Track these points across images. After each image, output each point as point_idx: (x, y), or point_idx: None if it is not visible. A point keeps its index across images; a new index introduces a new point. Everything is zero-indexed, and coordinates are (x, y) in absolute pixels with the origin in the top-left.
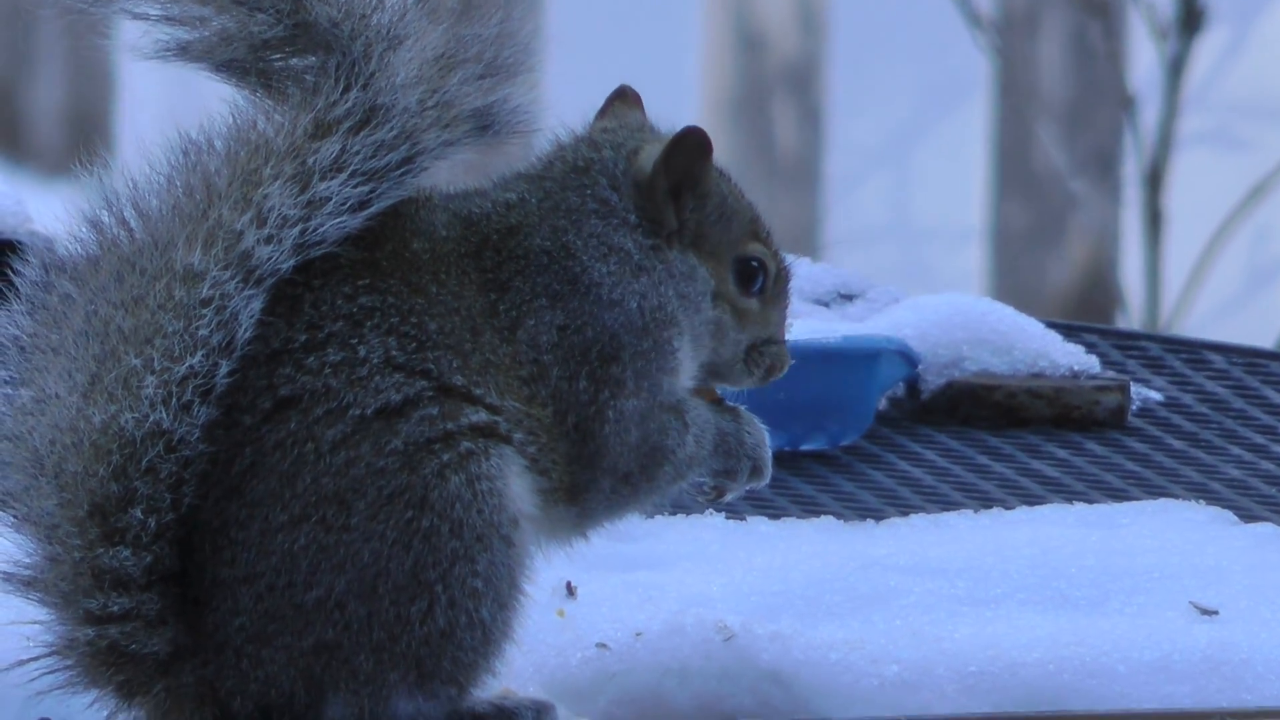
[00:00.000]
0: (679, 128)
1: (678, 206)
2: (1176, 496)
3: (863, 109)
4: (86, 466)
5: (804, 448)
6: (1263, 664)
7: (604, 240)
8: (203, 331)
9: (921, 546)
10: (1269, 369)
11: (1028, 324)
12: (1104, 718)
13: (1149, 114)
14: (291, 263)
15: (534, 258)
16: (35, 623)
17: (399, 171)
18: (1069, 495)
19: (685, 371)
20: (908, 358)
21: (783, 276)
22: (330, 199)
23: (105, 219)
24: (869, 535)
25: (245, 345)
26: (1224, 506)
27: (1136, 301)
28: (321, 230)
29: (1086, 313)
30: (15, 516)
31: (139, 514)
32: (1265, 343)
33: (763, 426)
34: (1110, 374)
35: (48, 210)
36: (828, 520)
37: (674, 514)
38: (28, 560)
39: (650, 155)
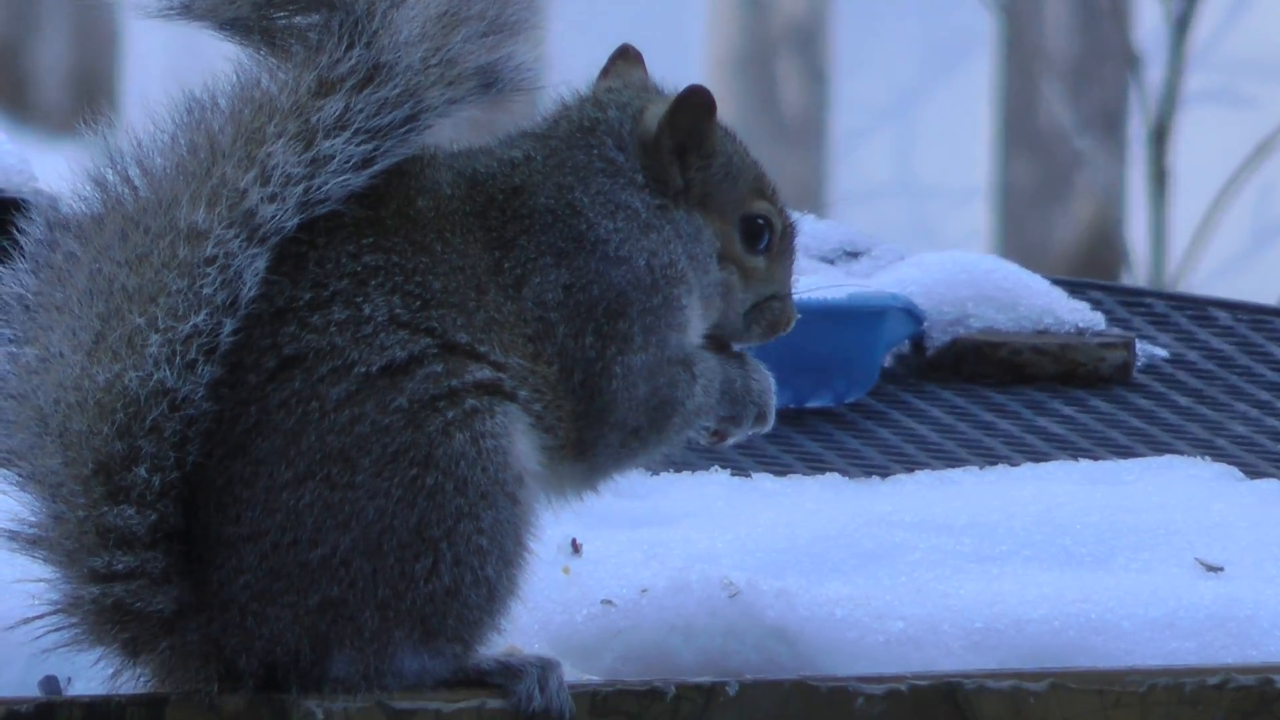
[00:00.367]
0: (683, 87)
1: (683, 166)
2: (1182, 453)
3: (868, 67)
4: (91, 425)
5: (809, 405)
6: (1268, 620)
7: (611, 198)
8: (207, 290)
9: (927, 503)
10: (1274, 325)
11: (1033, 281)
12: (1109, 674)
13: (1154, 71)
14: (296, 221)
15: (539, 216)
16: (40, 581)
17: (403, 129)
18: (1074, 452)
19: (694, 330)
20: (913, 315)
21: (788, 233)
22: (334, 157)
23: (109, 177)
24: (874, 492)
25: (250, 304)
26: (1229, 463)
27: (1141, 259)
28: (325, 188)
29: (1091, 270)
30: (20, 475)
31: (143, 472)
32: (1270, 299)
33: (768, 372)
34: (1115, 331)
35: (52, 169)
36: (833, 477)
37: (680, 471)
38: (33, 519)
39: (655, 115)
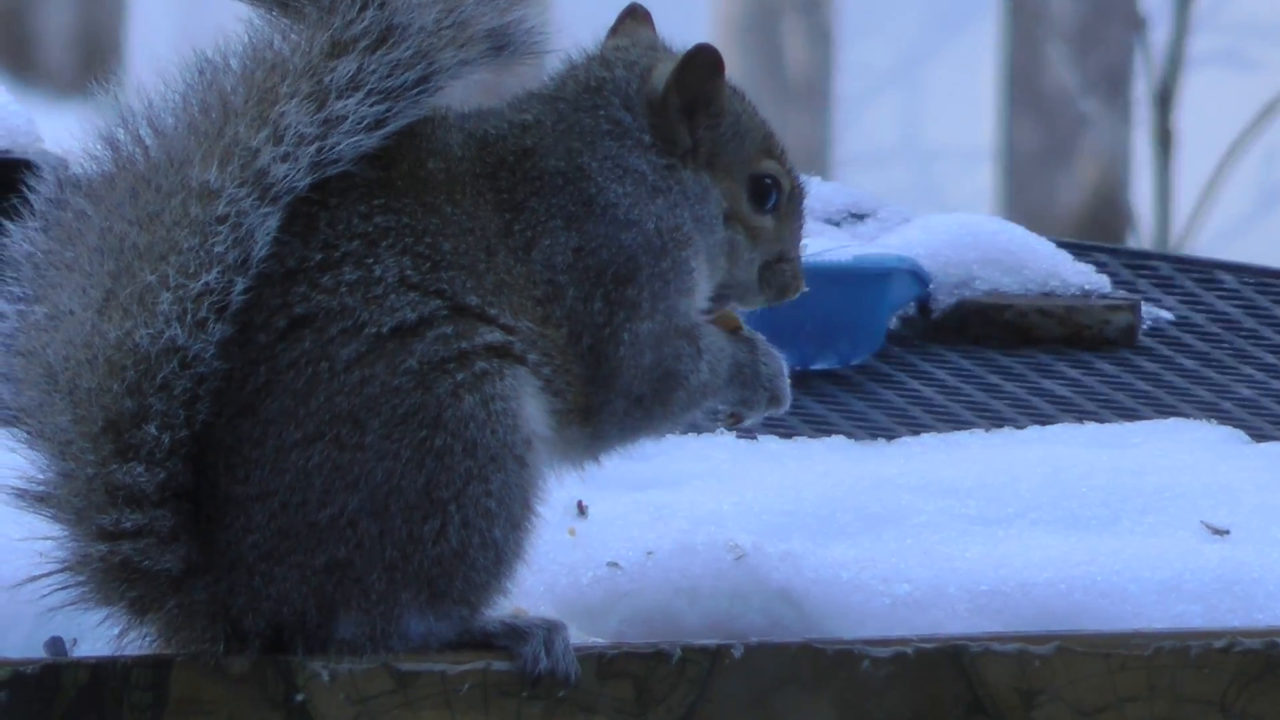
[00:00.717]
0: (690, 46)
1: (691, 125)
2: (1188, 416)
3: (873, 28)
4: (101, 382)
5: (815, 367)
6: (1274, 583)
7: (619, 162)
8: (218, 248)
9: (933, 466)
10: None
11: (1038, 243)
12: (1115, 637)
13: (1159, 34)
14: (308, 181)
15: (549, 179)
16: (47, 539)
17: (415, 90)
18: (1080, 414)
19: (701, 292)
20: (919, 277)
21: (797, 193)
22: (347, 117)
23: (121, 136)
24: (880, 454)
25: (261, 263)
26: (1235, 426)
27: (1146, 222)
28: (338, 149)
29: (1096, 233)
30: (28, 432)
31: (153, 430)
32: (1276, 262)
33: (780, 355)
34: (1121, 293)
35: (58, 130)
36: (839, 439)
37: (685, 433)
38: (41, 477)
39: (662, 74)
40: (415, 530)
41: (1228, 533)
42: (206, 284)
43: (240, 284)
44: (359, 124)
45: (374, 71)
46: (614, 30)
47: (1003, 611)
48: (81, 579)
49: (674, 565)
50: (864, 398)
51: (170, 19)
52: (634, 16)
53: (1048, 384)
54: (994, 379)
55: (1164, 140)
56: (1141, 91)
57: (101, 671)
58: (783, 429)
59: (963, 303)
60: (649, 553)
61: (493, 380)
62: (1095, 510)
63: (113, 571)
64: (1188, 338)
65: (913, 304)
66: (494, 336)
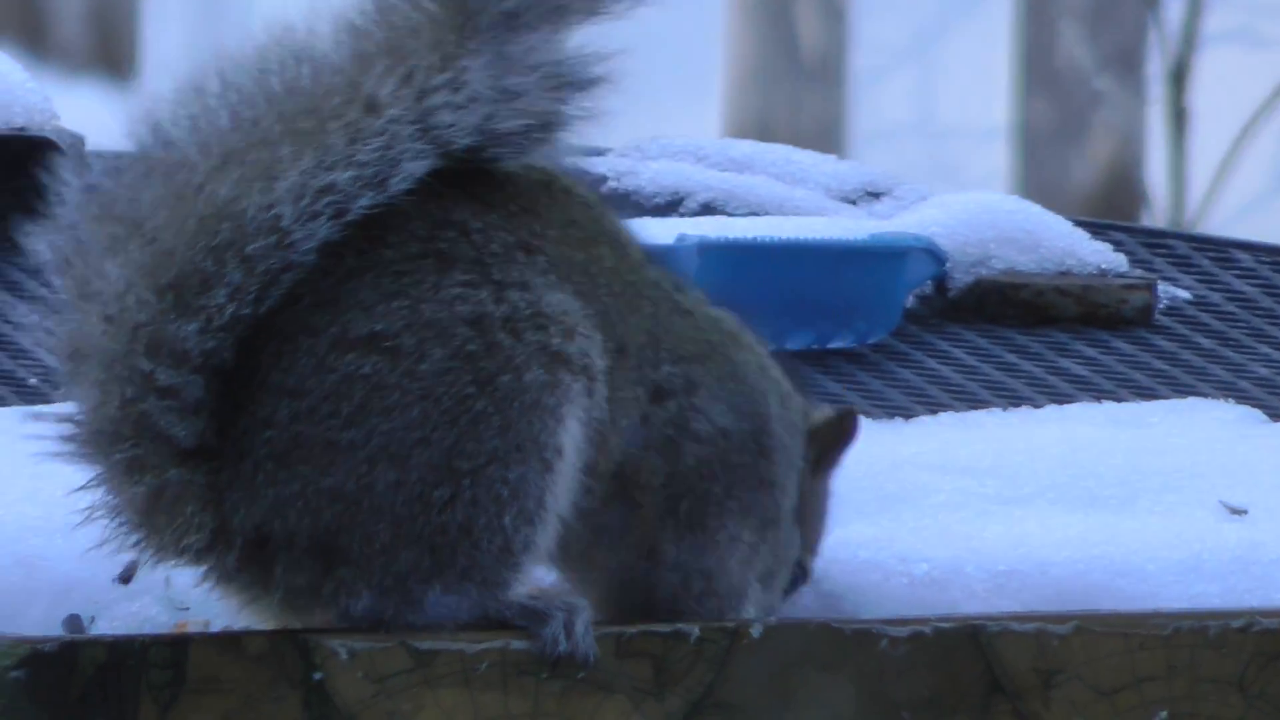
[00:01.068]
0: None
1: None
2: (1205, 395)
3: (887, 5)
4: (189, 238)
5: (832, 345)
6: None
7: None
8: (362, 156)
9: (950, 445)
10: None
11: (1055, 222)
12: (1133, 617)
13: (1173, 11)
14: (466, 144)
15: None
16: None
17: (583, 92)
18: (1097, 393)
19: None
20: (935, 255)
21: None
22: (521, 95)
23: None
24: (897, 434)
25: (395, 196)
26: (1253, 405)
27: (1161, 199)
28: (505, 124)
29: (1111, 211)
30: (71, 359)
31: (220, 297)
32: None
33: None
34: (1137, 272)
35: (74, 107)
36: None
37: None
38: (77, 416)
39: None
40: (427, 491)
41: (1246, 512)
42: (334, 182)
43: (367, 199)
44: (530, 108)
45: (556, 60)
46: None
47: (1021, 591)
48: (84, 433)
49: None
50: (881, 377)
51: None
52: None
53: (1065, 363)
54: (1011, 358)
55: (1178, 118)
56: (1156, 69)
57: (119, 650)
58: None
59: (980, 281)
60: None
61: (565, 372)
62: (1113, 489)
63: (125, 422)
64: (1205, 317)
65: (929, 283)
66: (592, 351)
